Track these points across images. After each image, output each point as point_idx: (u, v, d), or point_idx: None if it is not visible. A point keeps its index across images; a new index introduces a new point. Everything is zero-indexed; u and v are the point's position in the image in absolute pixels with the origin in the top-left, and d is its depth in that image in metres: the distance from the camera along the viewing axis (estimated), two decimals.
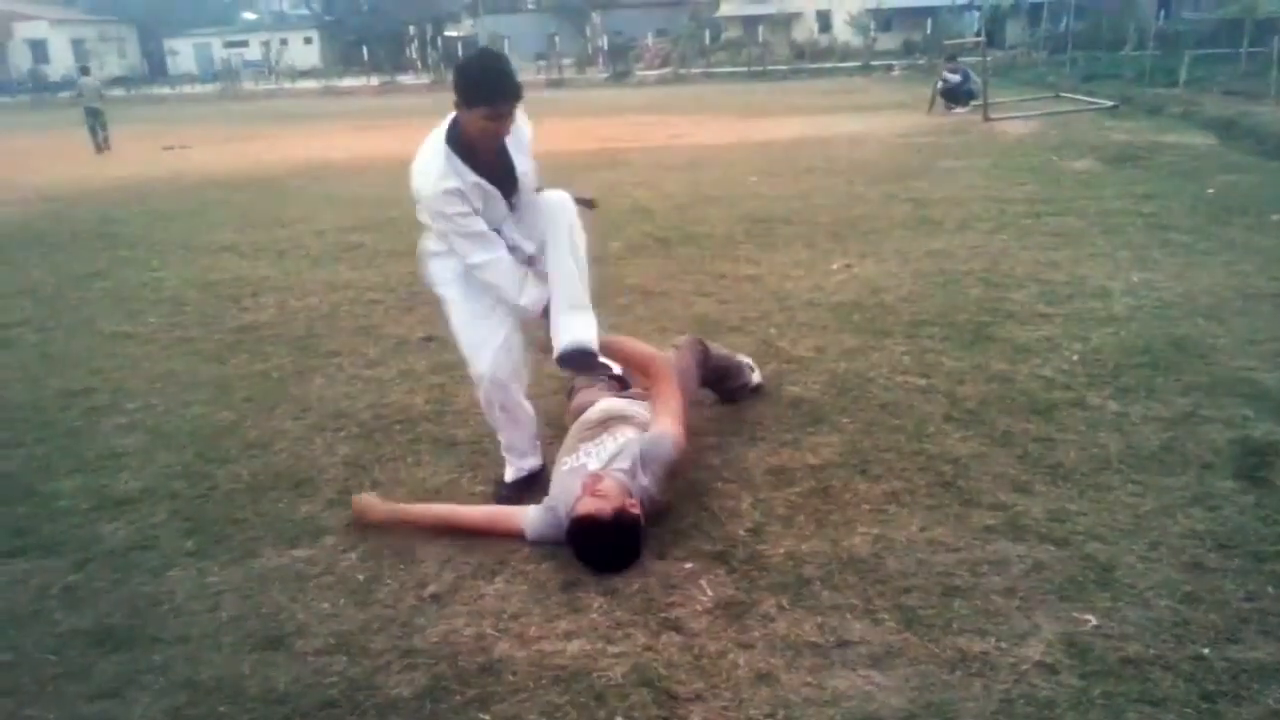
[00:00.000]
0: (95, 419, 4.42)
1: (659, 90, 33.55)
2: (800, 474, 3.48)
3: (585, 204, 3.61)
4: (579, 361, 3.35)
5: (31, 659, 2.63)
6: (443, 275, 3.39)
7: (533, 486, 3.43)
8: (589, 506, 2.87)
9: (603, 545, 2.88)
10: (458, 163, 3.13)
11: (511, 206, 3.30)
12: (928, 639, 2.50)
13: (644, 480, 3.04)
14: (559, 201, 3.40)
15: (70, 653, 2.65)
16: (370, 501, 3.27)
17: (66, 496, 3.61)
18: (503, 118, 3.07)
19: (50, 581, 3.01)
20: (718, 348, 4.04)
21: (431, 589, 2.85)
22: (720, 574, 2.86)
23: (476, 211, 3.18)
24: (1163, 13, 36.32)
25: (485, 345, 3.31)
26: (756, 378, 4.27)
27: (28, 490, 3.69)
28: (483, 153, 3.15)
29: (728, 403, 4.12)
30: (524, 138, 3.27)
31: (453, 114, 3.14)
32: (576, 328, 3.30)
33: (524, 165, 3.28)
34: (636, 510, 2.93)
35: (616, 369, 4.14)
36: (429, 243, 3.42)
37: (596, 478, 2.97)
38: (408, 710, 2.34)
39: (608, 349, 3.48)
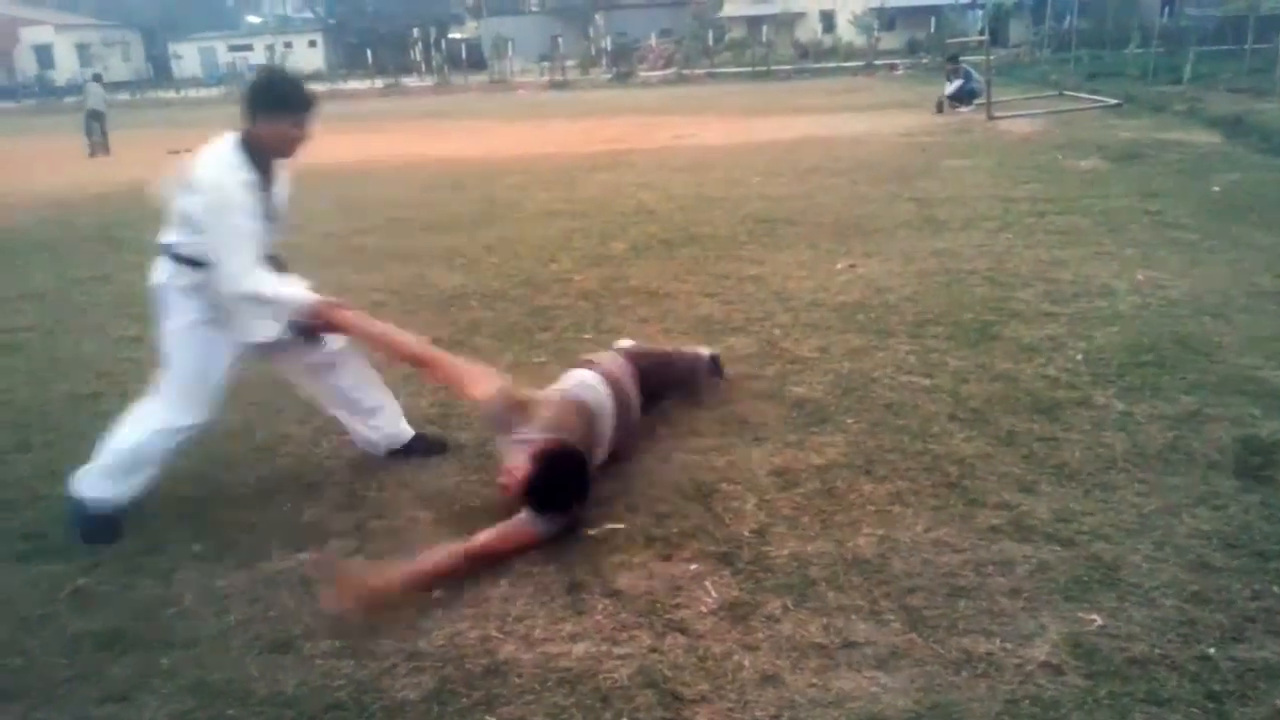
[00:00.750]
0: (103, 423, 4.41)
1: (662, 91, 33.56)
2: (805, 475, 3.48)
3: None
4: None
5: (41, 662, 2.65)
6: (182, 312, 3.33)
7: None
8: (513, 486, 3.04)
9: (552, 488, 3.05)
10: (252, 167, 3.27)
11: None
12: (933, 640, 2.51)
13: (522, 434, 3.14)
14: None
15: (80, 655, 2.66)
16: (358, 578, 2.88)
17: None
18: (306, 127, 3.30)
19: (59, 585, 3.03)
20: (651, 350, 4.18)
21: (436, 592, 2.86)
22: (725, 575, 2.87)
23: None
24: (1166, 10, 36.24)
25: (200, 395, 3.35)
26: (706, 351, 4.45)
27: (36, 494, 3.70)
28: (274, 167, 3.36)
29: (697, 402, 4.15)
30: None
31: (237, 132, 3.28)
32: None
33: (284, 193, 3.51)
34: (540, 447, 3.05)
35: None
36: (172, 274, 3.33)
37: (501, 472, 3.13)
38: (415, 713, 2.35)
39: (367, 336, 3.52)
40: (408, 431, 3.88)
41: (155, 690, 2.50)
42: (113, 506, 3.33)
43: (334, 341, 3.56)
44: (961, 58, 19.00)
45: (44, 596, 2.98)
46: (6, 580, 3.08)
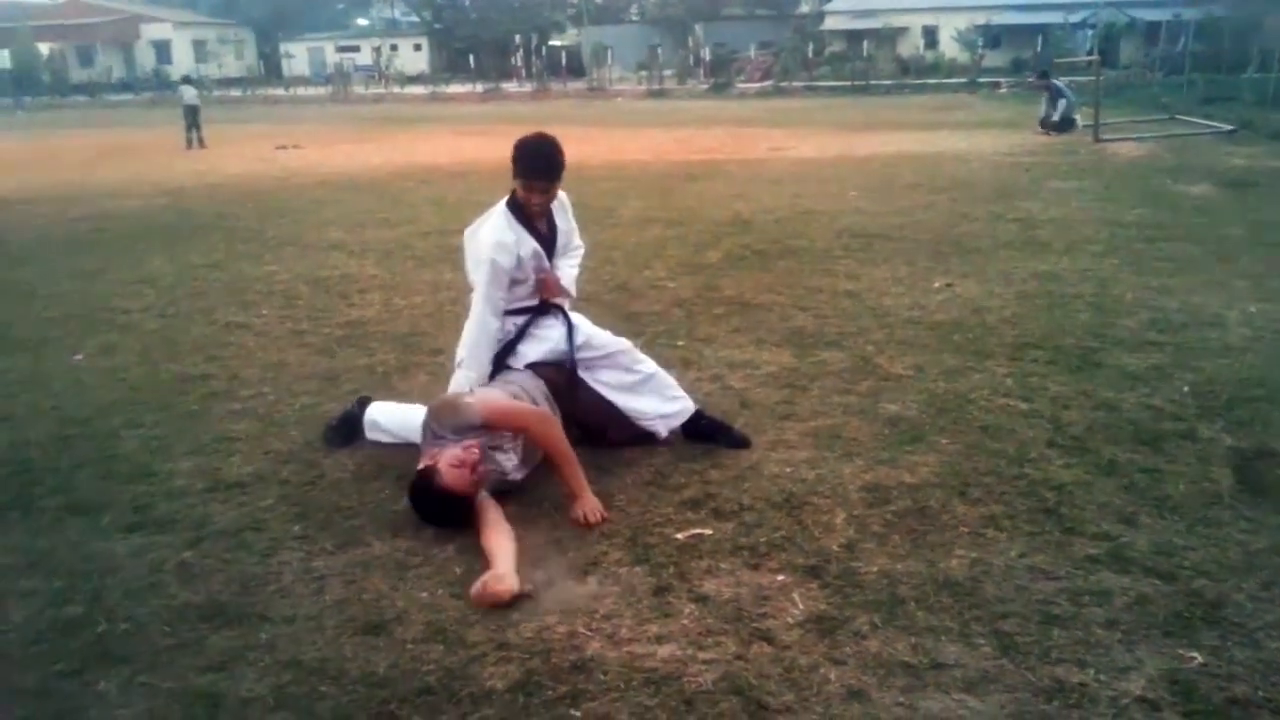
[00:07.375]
0: (210, 404, 4.60)
1: (759, 103, 33.48)
2: (896, 492, 3.45)
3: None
4: None
5: (147, 629, 2.75)
6: None
7: None
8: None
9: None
10: (518, 226, 3.73)
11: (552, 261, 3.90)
12: (1024, 666, 2.46)
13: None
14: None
15: (183, 626, 2.76)
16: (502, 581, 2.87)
17: (182, 476, 3.77)
18: (536, 191, 3.65)
19: (166, 557, 3.15)
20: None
21: (526, 586, 2.90)
22: (812, 588, 2.85)
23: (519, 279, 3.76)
24: None
25: None
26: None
27: (146, 469, 3.86)
28: (535, 218, 3.77)
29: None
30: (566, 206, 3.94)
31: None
32: None
33: (565, 225, 3.94)
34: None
35: None
36: None
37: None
38: (501, 702, 2.39)
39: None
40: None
41: (253, 663, 2.58)
42: None
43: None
44: (1068, 78, 18.44)
45: (151, 567, 3.10)
46: (117, 550, 3.21)
